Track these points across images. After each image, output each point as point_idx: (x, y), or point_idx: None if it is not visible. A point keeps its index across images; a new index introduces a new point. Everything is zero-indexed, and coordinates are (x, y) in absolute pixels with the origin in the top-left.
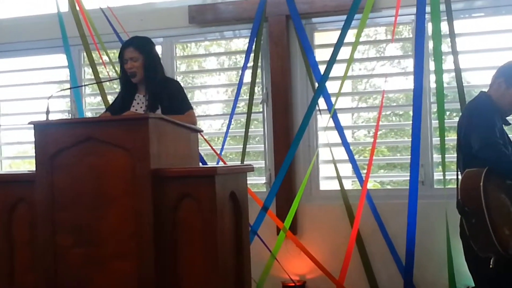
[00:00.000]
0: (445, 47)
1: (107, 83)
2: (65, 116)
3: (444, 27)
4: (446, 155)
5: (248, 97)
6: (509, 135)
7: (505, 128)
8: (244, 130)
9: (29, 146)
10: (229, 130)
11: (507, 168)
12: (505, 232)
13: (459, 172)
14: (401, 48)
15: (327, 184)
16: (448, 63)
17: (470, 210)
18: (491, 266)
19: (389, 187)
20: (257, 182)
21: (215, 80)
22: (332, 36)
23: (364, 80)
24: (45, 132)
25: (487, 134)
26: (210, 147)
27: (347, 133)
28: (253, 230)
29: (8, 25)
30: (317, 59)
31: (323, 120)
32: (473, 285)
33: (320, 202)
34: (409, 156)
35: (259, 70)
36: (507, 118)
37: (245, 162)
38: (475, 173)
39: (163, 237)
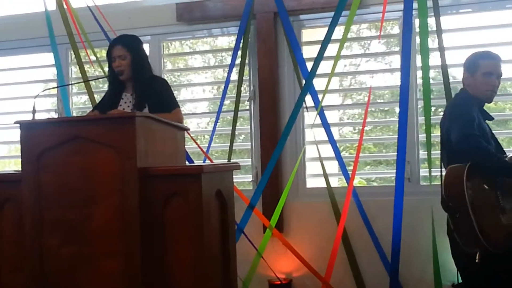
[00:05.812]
0: (432, 42)
1: (94, 82)
2: (52, 115)
3: (431, 23)
4: (432, 152)
5: (235, 95)
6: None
7: (490, 123)
8: (231, 128)
9: (15, 146)
10: (216, 128)
11: (485, 160)
12: (489, 227)
13: (443, 169)
14: (385, 43)
15: (314, 182)
16: (434, 58)
17: (454, 206)
18: (477, 261)
19: (375, 184)
20: (243, 180)
21: (202, 78)
22: (320, 33)
23: (350, 76)
24: (31, 132)
25: (465, 126)
26: (196, 145)
27: (334, 130)
28: (239, 228)
29: None
30: (305, 56)
31: (310, 117)
32: (458, 281)
33: (307, 199)
34: (395, 153)
35: (246, 68)
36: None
37: (232, 160)
38: (457, 169)
39: (150, 235)
